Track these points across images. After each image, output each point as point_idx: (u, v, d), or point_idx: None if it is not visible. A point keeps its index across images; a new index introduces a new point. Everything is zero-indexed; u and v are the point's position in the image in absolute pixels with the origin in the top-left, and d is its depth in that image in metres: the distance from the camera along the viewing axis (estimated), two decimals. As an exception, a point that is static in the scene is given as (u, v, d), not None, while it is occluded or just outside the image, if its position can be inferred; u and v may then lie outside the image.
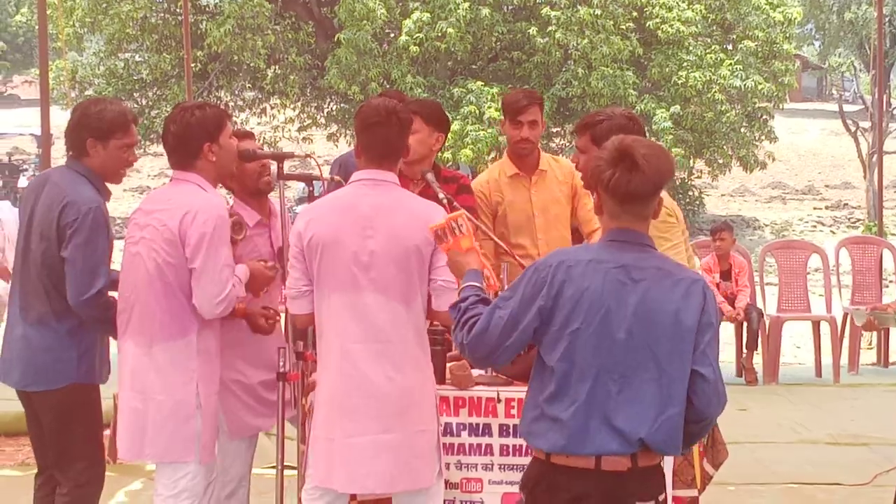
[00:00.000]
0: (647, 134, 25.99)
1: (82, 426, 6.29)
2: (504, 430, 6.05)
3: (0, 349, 6.52)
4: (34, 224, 6.22)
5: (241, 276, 5.96)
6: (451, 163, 30.50)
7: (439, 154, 8.13)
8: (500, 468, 6.07)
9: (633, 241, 4.55)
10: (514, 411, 6.04)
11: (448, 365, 6.09)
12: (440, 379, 6.01)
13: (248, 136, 6.84)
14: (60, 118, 9.07)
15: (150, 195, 6.18)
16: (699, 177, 38.95)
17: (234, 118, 7.55)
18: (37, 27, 10.16)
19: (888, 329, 13.94)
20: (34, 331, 6.22)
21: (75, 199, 6.06)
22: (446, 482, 6.01)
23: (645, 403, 4.42)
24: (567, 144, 35.38)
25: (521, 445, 6.05)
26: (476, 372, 6.17)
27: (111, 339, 6.31)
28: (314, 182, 6.56)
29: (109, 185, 6.37)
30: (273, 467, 6.60)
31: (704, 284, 4.60)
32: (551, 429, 4.43)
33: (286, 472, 6.24)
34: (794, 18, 37.10)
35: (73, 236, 6.04)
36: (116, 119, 6.21)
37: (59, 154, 8.77)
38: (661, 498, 4.58)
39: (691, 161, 35.41)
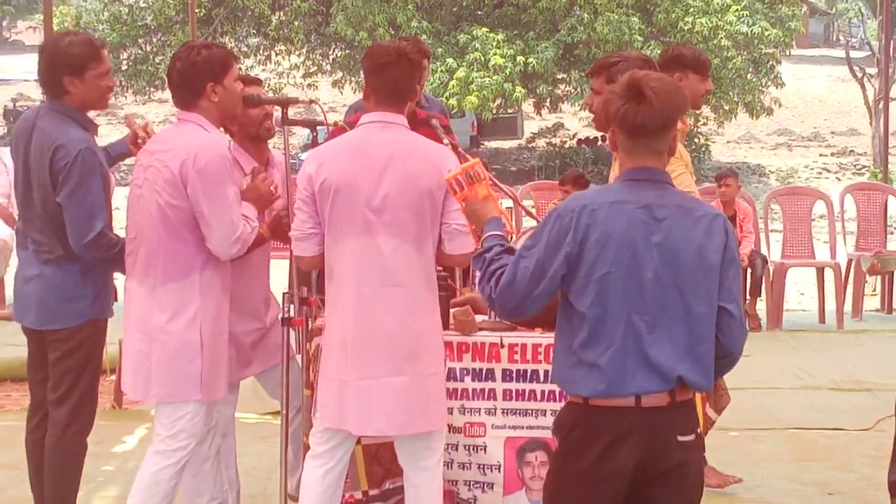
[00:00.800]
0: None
1: (89, 361, 6.33)
2: (507, 375, 6.06)
3: (13, 291, 6.58)
4: (31, 171, 6.24)
5: (248, 213, 5.96)
6: (456, 109, 30.45)
7: (446, 100, 8.17)
8: (502, 413, 6.09)
9: (653, 179, 4.52)
10: (517, 356, 6.06)
11: (452, 310, 6.11)
12: (444, 324, 6.00)
13: (256, 82, 6.84)
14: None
15: (154, 137, 6.18)
16: (705, 123, 38.90)
17: (239, 63, 7.55)
18: (40, -28, 10.16)
19: (892, 276, 13.96)
20: (49, 271, 6.25)
21: (64, 143, 6.06)
22: (450, 426, 6.03)
23: (676, 341, 4.41)
24: (573, 91, 35.33)
25: (523, 390, 6.08)
26: (479, 317, 6.19)
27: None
28: (318, 128, 6.54)
29: (97, 117, 6.37)
30: (275, 413, 6.63)
31: (725, 220, 4.58)
32: (589, 375, 4.40)
33: (269, 418, 6.28)
34: (801, -36, 36.98)
35: (65, 181, 6.06)
36: (86, 51, 6.19)
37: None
38: (698, 431, 4.59)
39: (697, 109, 35.27)
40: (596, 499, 4.43)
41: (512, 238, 6.43)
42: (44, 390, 6.43)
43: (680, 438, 4.44)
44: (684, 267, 4.43)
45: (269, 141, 6.64)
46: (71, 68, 6.15)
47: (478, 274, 4.73)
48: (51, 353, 6.46)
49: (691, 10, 33.04)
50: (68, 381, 6.38)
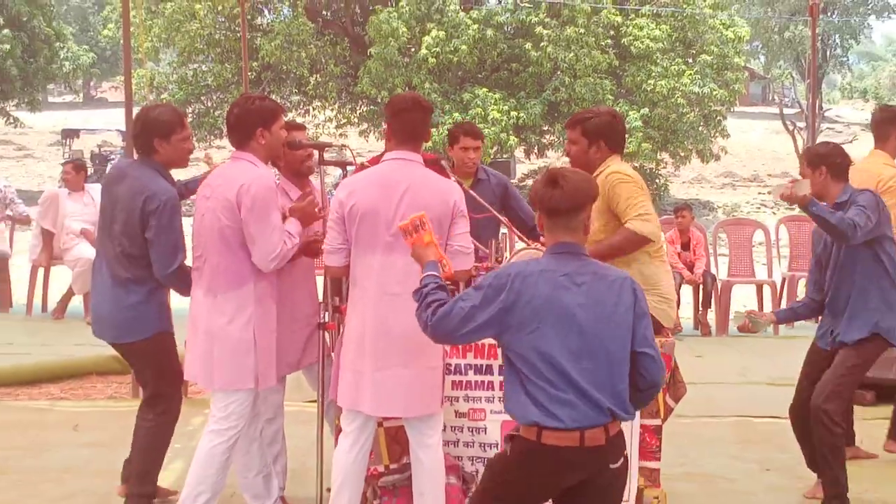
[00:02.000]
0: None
1: (163, 366, 6.43)
2: (503, 370, 6.04)
3: (92, 309, 6.67)
4: (117, 209, 6.31)
5: (292, 229, 5.99)
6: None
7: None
8: (499, 401, 6.03)
9: (573, 252, 4.62)
10: (511, 355, 6.05)
11: (458, 317, 6.09)
12: (450, 327, 6.02)
13: (300, 127, 6.88)
14: (141, 117, 9.10)
15: (212, 174, 6.21)
16: (664, 167, 38.95)
17: (286, 115, 7.65)
18: (122, 41, 10.15)
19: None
20: (120, 292, 6.34)
21: (155, 191, 6.19)
22: (456, 412, 6.06)
23: (602, 382, 4.49)
24: (556, 140, 35.39)
25: (517, 382, 6.06)
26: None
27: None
28: (348, 168, 6.56)
29: (177, 171, 6.46)
30: (312, 401, 6.63)
31: (632, 281, 4.68)
32: (535, 406, 4.48)
33: (308, 405, 6.27)
34: (743, 37, 37.08)
35: (155, 221, 6.18)
36: (173, 119, 6.38)
37: (140, 146, 8.83)
38: (625, 454, 4.65)
39: (658, 154, 35.38)
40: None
41: (506, 257, 6.44)
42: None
43: (611, 466, 4.54)
44: (602, 321, 4.53)
45: (309, 176, 6.67)
46: (160, 132, 6.31)
47: (417, 302, 4.84)
48: (130, 363, 6.78)
49: (653, 74, 33.10)
50: (151, 386, 6.56)
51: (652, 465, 6.08)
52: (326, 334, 6.27)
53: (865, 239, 6.46)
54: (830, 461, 6.61)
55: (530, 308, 4.51)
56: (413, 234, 5.08)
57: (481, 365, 6.07)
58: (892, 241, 6.69)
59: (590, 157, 6.35)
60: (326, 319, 6.16)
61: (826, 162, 6.57)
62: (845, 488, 6.55)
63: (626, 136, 22.89)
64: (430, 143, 6.95)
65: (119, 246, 6.31)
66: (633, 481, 6.05)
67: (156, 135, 6.30)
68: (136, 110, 9.52)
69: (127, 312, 6.36)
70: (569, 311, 4.50)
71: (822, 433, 6.57)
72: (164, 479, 6.82)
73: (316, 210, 6.25)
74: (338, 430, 5.89)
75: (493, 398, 6.06)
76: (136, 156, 6.52)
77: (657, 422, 6.09)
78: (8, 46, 39.31)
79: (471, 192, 6.90)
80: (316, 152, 6.50)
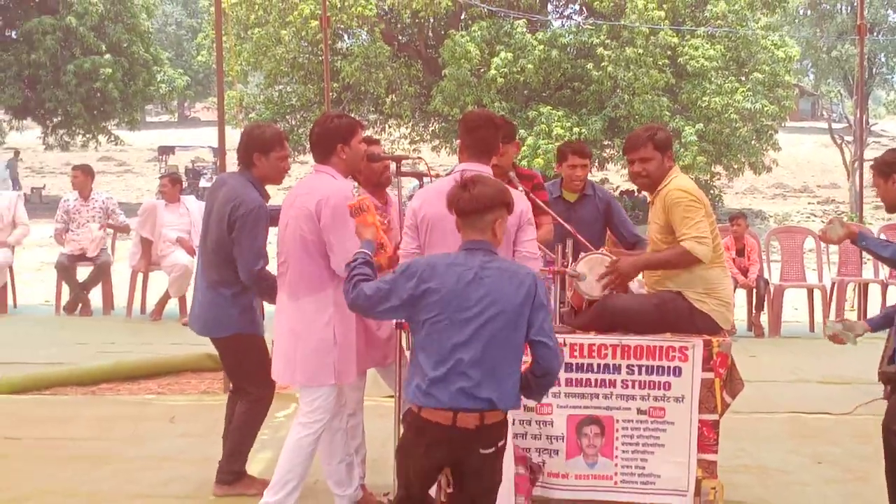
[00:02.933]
0: (678, 146, 25.72)
1: (249, 364, 6.55)
2: (568, 367, 6.01)
3: (191, 305, 6.84)
4: (213, 215, 6.46)
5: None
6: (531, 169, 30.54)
7: (518, 162, 8.26)
8: (565, 396, 6.05)
9: (482, 249, 4.77)
10: (576, 353, 6.01)
11: (526, 317, 6.08)
12: (520, 328, 6.01)
13: (375, 142, 6.92)
14: (232, 135, 9.19)
15: (295, 185, 6.25)
16: (719, 179, 38.63)
17: (365, 130, 7.70)
18: (214, 65, 10.24)
19: (866, 295, 13.78)
20: (209, 294, 6.54)
21: (244, 199, 6.29)
22: (524, 406, 5.97)
23: (490, 370, 4.58)
24: (615, 153, 35.29)
25: (581, 378, 6.03)
26: (548, 323, 6.16)
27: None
28: (423, 178, 6.57)
29: (271, 186, 6.56)
30: (390, 397, 6.63)
31: (535, 276, 4.78)
32: (420, 387, 4.63)
33: (386, 400, 6.29)
34: (794, 56, 36.72)
35: (241, 227, 6.29)
36: (274, 137, 6.48)
37: (230, 162, 8.90)
38: (500, 444, 4.72)
39: (712, 166, 35.14)
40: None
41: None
42: None
43: (482, 451, 4.64)
44: (500, 312, 4.62)
45: (386, 188, 6.68)
46: (261, 148, 6.43)
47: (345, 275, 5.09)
48: (220, 355, 6.93)
49: (708, 91, 32.87)
50: (235, 377, 6.87)
51: (710, 457, 6.02)
52: (404, 334, 6.28)
53: None
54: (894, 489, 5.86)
55: (435, 297, 4.64)
56: (359, 214, 5.35)
57: (548, 362, 6.04)
58: None
59: (664, 169, 6.27)
60: (402, 320, 6.16)
61: (892, 169, 6.12)
62: None
63: (683, 150, 22.81)
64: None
65: (212, 249, 6.47)
66: (692, 472, 6.02)
67: (256, 149, 6.42)
68: (227, 129, 9.67)
69: (213, 311, 6.55)
70: (468, 303, 4.62)
71: (887, 455, 5.82)
72: (253, 468, 6.88)
73: (385, 223, 6.29)
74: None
75: (560, 393, 6.04)
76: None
77: (715, 417, 6.03)
78: (110, 70, 39.81)
79: (536, 199, 6.85)
80: (393, 164, 6.54)
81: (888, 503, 5.85)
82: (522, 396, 4.79)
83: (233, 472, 6.72)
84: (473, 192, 4.80)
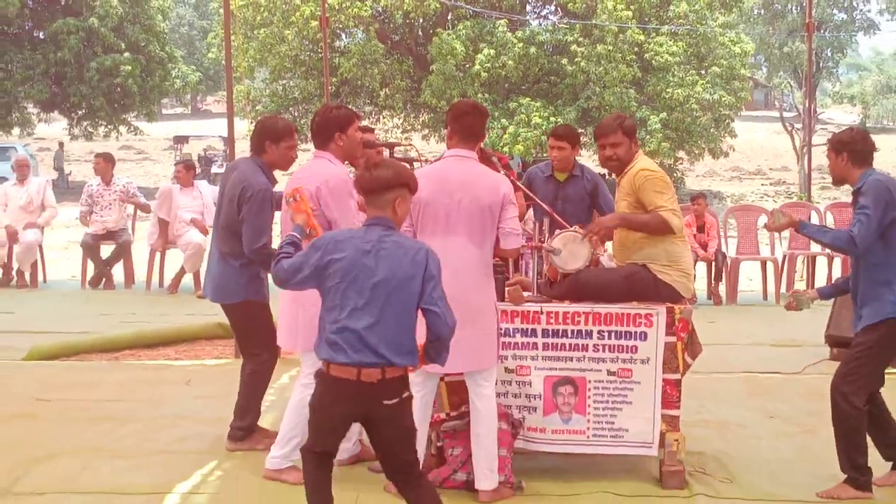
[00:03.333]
0: (643, 133, 25.63)
1: (255, 328, 6.56)
2: (545, 333, 6.02)
3: (206, 274, 6.93)
4: (225, 196, 6.47)
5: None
6: (507, 155, 30.52)
7: (500, 149, 8.25)
8: (542, 359, 6.05)
9: (380, 224, 4.78)
10: (552, 320, 6.02)
11: (506, 288, 6.08)
12: (500, 297, 6.02)
13: (370, 130, 6.92)
14: (240, 126, 9.18)
15: (297, 170, 6.24)
16: (681, 163, 38.63)
17: (361, 120, 7.68)
18: (224, 62, 10.20)
19: (814, 265, 13.82)
20: (220, 264, 6.57)
21: (252, 183, 6.28)
22: (506, 368, 6.04)
23: (385, 334, 4.63)
24: (588, 141, 35.21)
25: (556, 343, 6.03)
26: (526, 294, 6.17)
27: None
28: (414, 163, 6.57)
29: (279, 172, 6.58)
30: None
31: (427, 251, 4.81)
32: (327, 344, 4.69)
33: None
34: (748, 51, 36.73)
35: (247, 207, 6.27)
36: (285, 128, 6.47)
37: (238, 150, 8.89)
38: (403, 396, 4.75)
39: (675, 152, 35.15)
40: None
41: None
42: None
43: (385, 402, 4.68)
44: (395, 282, 4.68)
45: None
46: (272, 137, 6.42)
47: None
48: (229, 321, 6.94)
49: (671, 84, 32.88)
50: (242, 340, 6.84)
51: (673, 413, 6.04)
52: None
53: (876, 236, 5.69)
54: (842, 441, 5.84)
55: (337, 267, 4.69)
56: (294, 202, 5.45)
57: (527, 329, 6.05)
58: None
59: (631, 153, 6.28)
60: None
61: (847, 148, 5.89)
62: (860, 466, 5.81)
63: (648, 137, 22.83)
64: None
65: (223, 225, 6.49)
66: (657, 427, 6.04)
67: (268, 138, 6.40)
68: (235, 120, 9.65)
69: (223, 279, 6.57)
70: (366, 273, 4.67)
71: (834, 413, 5.84)
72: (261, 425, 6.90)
73: None
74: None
75: (538, 356, 6.05)
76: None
77: (677, 376, 6.04)
78: (129, 67, 39.70)
79: (518, 183, 6.84)
80: (386, 151, 6.53)
81: (836, 454, 5.87)
82: (427, 359, 4.86)
83: (242, 428, 6.73)
84: (374, 174, 4.85)
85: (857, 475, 5.78)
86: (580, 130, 34.70)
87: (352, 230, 4.97)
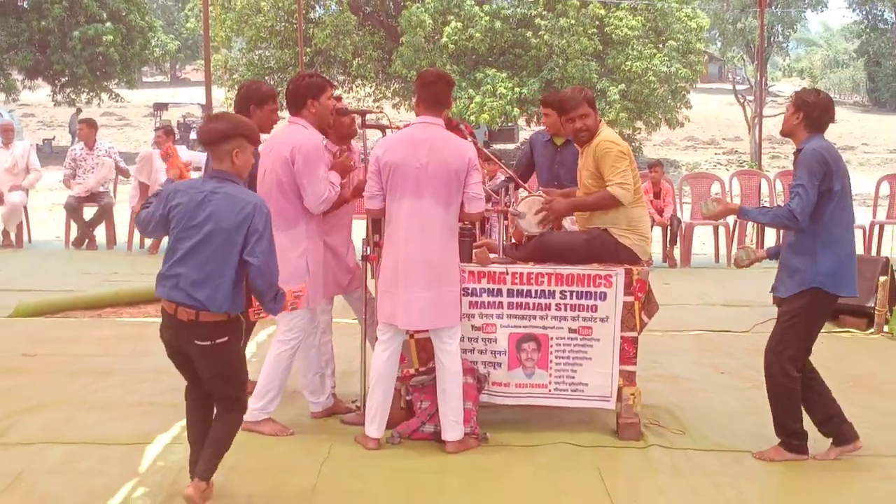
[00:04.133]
0: (603, 103, 25.49)
1: None
2: (510, 293, 6.04)
3: None
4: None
5: (334, 179, 6.00)
6: (474, 123, 30.48)
7: (467, 119, 8.21)
8: (507, 317, 6.07)
9: (217, 177, 4.81)
10: (517, 280, 6.03)
11: (474, 250, 6.09)
12: (468, 258, 6.03)
13: (338, 98, 6.86)
14: (217, 94, 9.12)
15: (272, 135, 6.20)
16: (639, 132, 38.67)
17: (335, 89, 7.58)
18: (202, 32, 10.12)
19: (763, 229, 13.87)
20: None
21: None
22: (472, 326, 6.05)
23: (204, 280, 4.70)
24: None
25: (521, 302, 6.05)
26: (493, 256, 6.17)
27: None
28: (385, 130, 6.53)
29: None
30: (355, 320, 6.64)
31: (256, 205, 4.79)
32: (158, 279, 4.84)
33: (353, 322, 6.32)
34: (703, 26, 36.72)
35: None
36: (268, 93, 6.44)
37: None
38: (218, 341, 4.81)
39: (633, 122, 35.19)
40: None
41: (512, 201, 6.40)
42: None
43: (198, 343, 4.78)
44: (222, 230, 4.70)
45: (351, 140, 6.62)
46: (256, 100, 6.37)
47: None
48: None
49: (630, 57, 32.87)
50: None
51: (629, 368, 6.08)
52: (368, 265, 6.28)
53: (812, 208, 5.45)
54: (776, 408, 5.73)
55: (175, 213, 4.75)
56: (168, 158, 5.82)
57: (492, 289, 6.06)
58: (837, 194, 5.53)
59: (597, 123, 6.27)
60: (369, 253, 6.15)
61: (805, 110, 5.60)
62: (794, 431, 5.71)
63: (608, 107, 22.82)
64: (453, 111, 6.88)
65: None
66: (615, 381, 6.09)
67: (252, 102, 6.36)
68: (213, 88, 9.59)
69: None
70: (195, 221, 4.71)
71: (768, 381, 5.72)
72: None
73: (351, 164, 6.25)
74: (375, 339, 5.92)
75: (503, 315, 6.07)
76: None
77: (634, 334, 6.08)
78: (110, 36, 39.28)
79: (483, 149, 6.82)
80: (359, 118, 6.48)
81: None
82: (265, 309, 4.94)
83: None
84: (211, 126, 4.89)
85: (791, 440, 5.71)
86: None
87: (194, 180, 5.01)
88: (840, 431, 5.75)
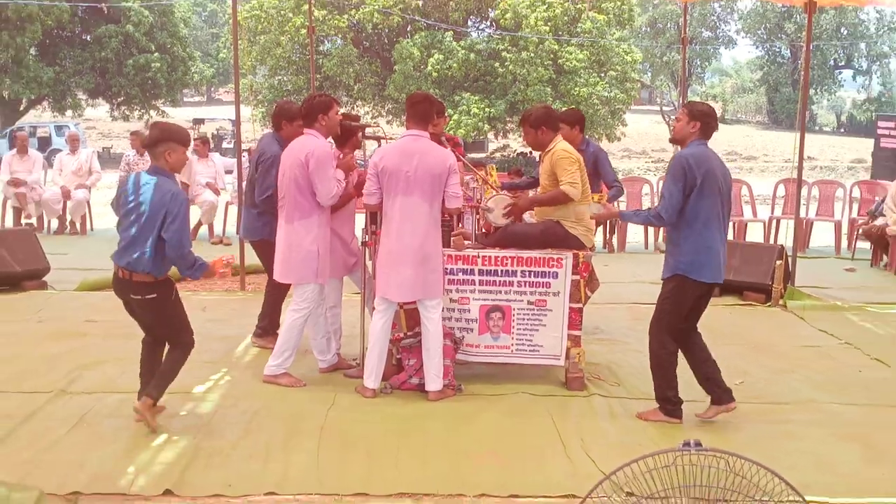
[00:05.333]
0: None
1: (271, 257, 6.34)
2: (481, 272, 6.03)
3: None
4: (252, 160, 6.74)
5: (339, 176, 5.99)
6: (457, 136, 30.45)
7: (447, 130, 8.12)
8: (478, 292, 6.07)
9: (155, 171, 4.97)
10: (487, 262, 6.03)
11: (452, 238, 6.08)
12: (447, 244, 6.01)
13: (356, 118, 6.88)
14: (245, 111, 9.08)
15: (290, 144, 6.14)
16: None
17: (340, 107, 7.59)
18: (232, 61, 10.06)
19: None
20: (246, 211, 6.85)
21: (265, 150, 6.43)
22: (450, 299, 6.06)
23: (129, 249, 4.94)
24: (514, 128, 35.29)
25: (489, 280, 6.05)
26: (467, 242, 6.17)
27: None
28: (381, 141, 6.50)
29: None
30: (356, 293, 6.63)
31: (174, 194, 4.89)
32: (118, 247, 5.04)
33: (355, 296, 6.31)
34: (637, 59, 36.66)
35: (262, 168, 6.43)
36: (297, 112, 6.35)
37: (244, 130, 8.79)
38: (148, 297, 5.01)
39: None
40: None
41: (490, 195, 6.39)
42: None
43: (132, 297, 5.01)
44: (148, 214, 4.87)
45: (357, 149, 6.59)
46: (287, 117, 6.48)
47: None
48: (258, 256, 7.10)
49: (578, 84, 32.80)
50: (264, 265, 6.94)
51: (576, 332, 6.10)
52: (367, 250, 6.26)
53: (681, 205, 5.17)
54: (655, 375, 5.46)
55: (122, 198, 4.98)
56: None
57: (467, 269, 6.05)
58: (697, 193, 5.15)
59: (540, 140, 6.23)
60: (367, 239, 6.14)
61: (701, 119, 5.29)
62: (669, 398, 5.42)
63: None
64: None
65: (248, 181, 6.74)
66: (564, 343, 6.10)
67: (284, 118, 6.47)
68: (241, 107, 9.54)
69: (248, 223, 6.81)
70: (131, 205, 4.91)
71: (650, 352, 5.46)
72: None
73: (353, 163, 6.28)
74: (373, 309, 5.90)
75: (475, 290, 6.07)
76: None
77: (580, 305, 6.09)
78: (158, 64, 39.04)
79: (462, 158, 6.80)
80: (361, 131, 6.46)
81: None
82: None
83: (261, 327, 6.98)
84: (149, 133, 5.04)
85: (665, 404, 5.44)
86: (509, 119, 34.73)
87: (143, 173, 5.06)
88: (716, 393, 5.44)
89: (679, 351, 5.45)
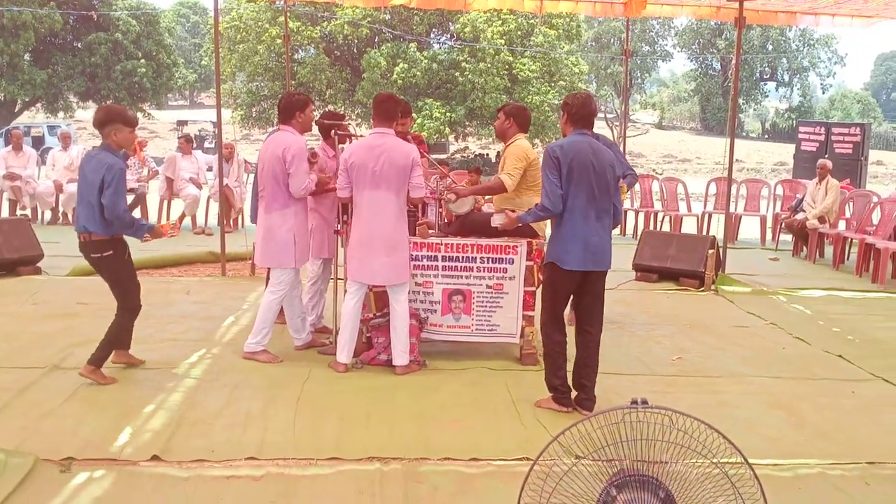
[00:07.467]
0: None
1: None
2: (444, 258, 6.02)
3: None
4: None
5: (313, 178, 5.93)
6: (422, 134, 30.36)
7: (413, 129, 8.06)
8: (441, 276, 6.06)
9: (102, 147, 5.12)
10: (449, 249, 6.02)
11: (417, 227, 6.07)
12: (413, 232, 5.99)
13: (341, 116, 6.67)
14: (225, 114, 8.95)
15: (268, 139, 6.06)
16: (536, 147, 38.80)
17: (314, 105, 7.51)
18: (213, 68, 9.93)
19: (637, 215, 13.91)
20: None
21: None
22: (416, 283, 6.04)
23: (87, 214, 5.13)
24: (473, 131, 35.29)
25: (451, 265, 6.04)
26: (431, 231, 6.16)
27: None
28: (351, 139, 6.46)
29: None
30: (332, 279, 6.60)
31: (110, 165, 5.03)
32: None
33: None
34: (584, 71, 36.84)
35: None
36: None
37: (224, 132, 8.65)
38: (107, 253, 5.22)
39: (532, 140, 35.32)
40: None
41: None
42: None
43: (92, 255, 5.23)
44: (89, 183, 5.06)
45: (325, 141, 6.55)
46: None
47: None
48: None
49: (531, 92, 32.91)
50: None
51: (530, 313, 6.12)
52: (339, 238, 6.23)
53: (561, 192, 4.80)
54: (545, 363, 5.18)
55: (80, 173, 5.12)
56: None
57: (431, 255, 6.04)
58: (573, 179, 4.81)
59: (504, 129, 6.29)
60: (340, 228, 6.10)
61: (567, 110, 4.99)
62: (555, 386, 5.11)
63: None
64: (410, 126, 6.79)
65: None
66: (519, 323, 6.12)
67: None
68: (222, 110, 9.43)
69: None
70: (83, 175, 5.13)
71: (542, 341, 5.22)
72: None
73: (328, 180, 6.16)
74: (346, 291, 5.87)
75: (438, 275, 6.05)
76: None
77: (533, 289, 6.11)
78: (145, 70, 38.58)
79: (426, 154, 6.79)
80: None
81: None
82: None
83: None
84: (96, 115, 5.15)
85: (553, 392, 5.13)
86: (468, 123, 34.76)
87: (92, 149, 5.22)
88: (579, 396, 5.11)
89: (576, 342, 5.11)
